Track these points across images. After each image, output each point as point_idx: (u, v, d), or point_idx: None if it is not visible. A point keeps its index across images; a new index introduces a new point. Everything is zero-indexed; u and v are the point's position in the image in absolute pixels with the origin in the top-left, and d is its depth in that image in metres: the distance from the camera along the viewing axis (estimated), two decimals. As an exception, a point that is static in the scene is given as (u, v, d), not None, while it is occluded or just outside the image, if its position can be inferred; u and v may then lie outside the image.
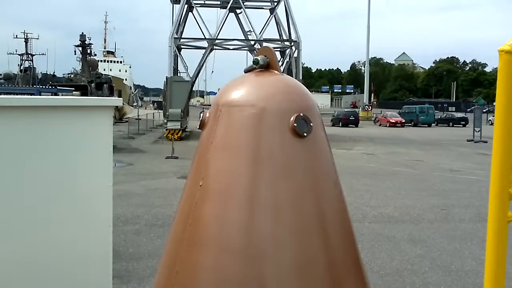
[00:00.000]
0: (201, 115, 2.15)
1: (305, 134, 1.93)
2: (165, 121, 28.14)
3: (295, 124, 1.92)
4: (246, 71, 2.17)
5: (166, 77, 28.81)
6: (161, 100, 57.67)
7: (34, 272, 2.69)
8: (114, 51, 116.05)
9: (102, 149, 3.05)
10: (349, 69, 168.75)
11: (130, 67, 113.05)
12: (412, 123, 48.04)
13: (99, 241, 3.00)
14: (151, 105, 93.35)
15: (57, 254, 2.78)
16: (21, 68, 56.99)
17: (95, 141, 3.02)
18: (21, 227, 2.64)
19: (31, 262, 2.68)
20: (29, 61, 61.47)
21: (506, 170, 1.21)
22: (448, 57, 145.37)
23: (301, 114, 1.94)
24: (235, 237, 1.81)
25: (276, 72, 2.11)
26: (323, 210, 1.93)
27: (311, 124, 1.96)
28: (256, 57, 2.12)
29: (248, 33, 32.57)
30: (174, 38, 28.94)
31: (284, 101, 1.98)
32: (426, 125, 47.89)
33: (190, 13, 31.72)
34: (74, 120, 2.91)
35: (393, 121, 46.36)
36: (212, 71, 39.40)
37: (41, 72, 53.37)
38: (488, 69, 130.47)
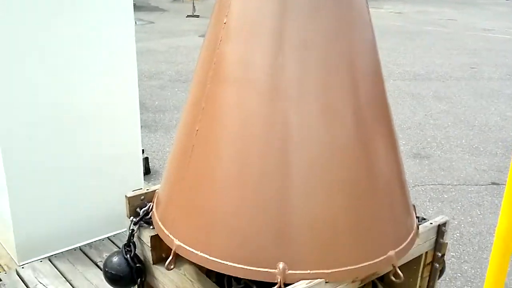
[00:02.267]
0: None
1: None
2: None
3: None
4: None
5: None
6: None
7: (68, 117, 2.78)
8: None
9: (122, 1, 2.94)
10: None
11: None
12: (447, -21, 44.97)
13: (126, 93, 3.03)
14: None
15: (88, 101, 2.84)
16: None
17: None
18: (56, 76, 2.68)
19: (65, 109, 2.75)
20: None
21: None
22: None
23: None
24: (260, 74, 1.77)
25: None
26: (353, 51, 1.84)
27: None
28: None
29: None
30: None
31: None
32: (462, -18, 44.83)
33: None
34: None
35: (427, -23, 43.40)
36: None
37: None
38: None
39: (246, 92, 1.77)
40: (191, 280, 2.02)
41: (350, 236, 1.70)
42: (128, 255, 2.10)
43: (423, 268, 2.05)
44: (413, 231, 1.91)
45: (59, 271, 2.73)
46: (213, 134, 1.79)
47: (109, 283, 2.15)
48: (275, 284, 1.63)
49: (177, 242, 1.83)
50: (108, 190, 3.03)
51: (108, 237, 3.07)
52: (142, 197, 2.20)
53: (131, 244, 2.14)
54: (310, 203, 1.67)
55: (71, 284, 2.62)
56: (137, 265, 2.12)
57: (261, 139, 1.71)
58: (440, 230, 2.03)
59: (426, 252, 2.02)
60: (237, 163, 1.73)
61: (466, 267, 3.46)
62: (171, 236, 1.88)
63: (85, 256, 2.88)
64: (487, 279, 1.13)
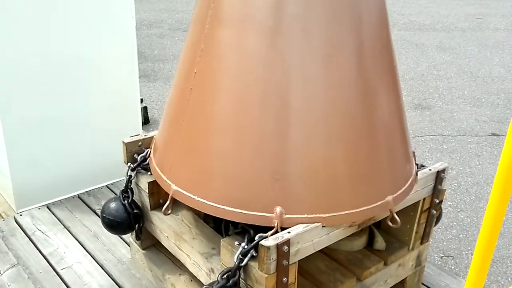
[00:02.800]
0: None
1: None
2: None
3: None
4: None
5: None
6: None
7: (65, 66, 2.72)
8: None
9: None
10: None
11: None
12: None
13: (124, 41, 2.96)
14: None
15: (85, 50, 2.78)
16: None
17: None
18: (52, 25, 2.60)
19: (62, 58, 2.70)
20: None
21: None
22: None
23: None
24: (261, 14, 1.70)
25: None
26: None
27: None
28: None
29: None
30: None
31: None
32: None
33: None
34: None
35: None
36: None
37: None
38: None
39: (246, 32, 1.71)
40: (188, 226, 2.03)
41: (347, 180, 1.69)
42: (125, 201, 2.10)
43: (420, 214, 2.05)
44: (412, 177, 1.90)
45: (57, 218, 2.74)
46: (211, 76, 1.75)
47: (107, 229, 2.15)
48: (272, 228, 1.63)
49: (174, 187, 1.82)
50: (106, 139, 3.00)
51: (106, 185, 3.07)
52: (140, 143, 2.18)
53: (128, 190, 2.13)
54: (308, 147, 1.64)
55: (69, 231, 2.63)
56: (135, 211, 2.12)
57: (261, 81, 1.66)
58: (439, 176, 2.01)
59: (424, 199, 2.01)
60: (235, 106, 1.69)
61: (462, 216, 3.48)
62: (168, 181, 1.87)
63: (84, 203, 2.88)
64: (483, 227, 1.12)
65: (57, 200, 2.90)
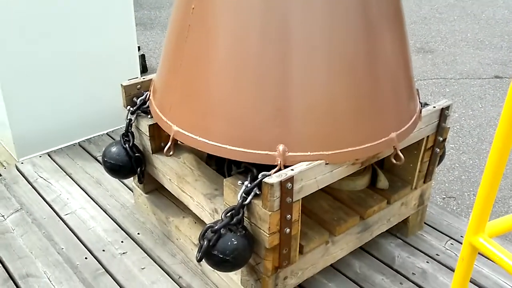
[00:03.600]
0: None
1: None
2: None
3: None
4: None
5: None
6: None
7: (60, 14, 2.64)
8: None
9: None
10: None
11: None
12: None
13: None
14: None
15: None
16: None
17: None
18: None
19: (58, 6, 2.61)
20: None
21: None
22: None
23: None
24: None
25: None
26: None
27: None
28: None
29: None
30: None
31: None
32: None
33: None
34: None
35: None
36: None
37: None
38: None
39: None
40: (191, 168, 2.02)
41: (350, 117, 1.66)
42: (126, 145, 2.08)
43: (424, 152, 2.03)
44: (416, 114, 1.87)
45: (58, 165, 2.73)
46: (210, 10, 1.68)
47: (109, 173, 2.14)
48: (275, 166, 1.61)
49: (175, 127, 1.80)
50: (105, 87, 2.96)
51: (107, 133, 3.05)
52: (139, 86, 2.14)
53: (129, 133, 2.11)
54: (310, 83, 1.60)
55: (71, 178, 2.63)
56: (136, 154, 2.10)
57: (261, 14, 1.60)
58: (443, 114, 1.98)
59: (428, 136, 1.99)
60: (235, 41, 1.63)
61: (464, 158, 3.48)
62: (169, 122, 1.84)
63: (84, 151, 2.87)
64: (487, 168, 1.10)
65: (57, 148, 2.89)
